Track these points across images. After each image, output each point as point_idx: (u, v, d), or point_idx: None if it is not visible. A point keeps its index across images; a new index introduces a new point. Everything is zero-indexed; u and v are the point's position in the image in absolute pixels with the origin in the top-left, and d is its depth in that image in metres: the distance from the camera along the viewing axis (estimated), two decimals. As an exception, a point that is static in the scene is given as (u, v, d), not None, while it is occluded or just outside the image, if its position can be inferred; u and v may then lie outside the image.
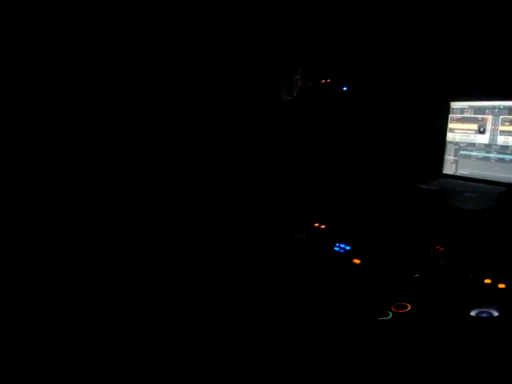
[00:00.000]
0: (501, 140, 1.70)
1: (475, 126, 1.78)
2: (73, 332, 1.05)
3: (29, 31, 1.68)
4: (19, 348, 1.10)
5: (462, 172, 1.82)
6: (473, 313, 1.13)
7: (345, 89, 1.97)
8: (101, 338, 1.04)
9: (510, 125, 1.68)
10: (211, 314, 1.21)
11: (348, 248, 1.51)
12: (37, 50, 1.70)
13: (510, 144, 1.67)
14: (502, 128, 1.71)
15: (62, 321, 1.07)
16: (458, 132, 1.84)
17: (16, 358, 1.09)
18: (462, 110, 1.84)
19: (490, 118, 1.74)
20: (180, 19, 1.92)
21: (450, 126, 1.88)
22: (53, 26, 1.71)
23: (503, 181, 1.66)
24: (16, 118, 1.67)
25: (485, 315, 1.12)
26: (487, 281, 1.22)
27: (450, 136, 1.88)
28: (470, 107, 1.81)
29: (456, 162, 1.84)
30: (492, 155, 1.72)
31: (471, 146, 1.79)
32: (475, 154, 1.78)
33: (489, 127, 1.75)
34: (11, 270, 1.19)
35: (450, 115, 1.88)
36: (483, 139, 1.76)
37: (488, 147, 1.74)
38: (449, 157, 1.86)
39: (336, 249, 1.52)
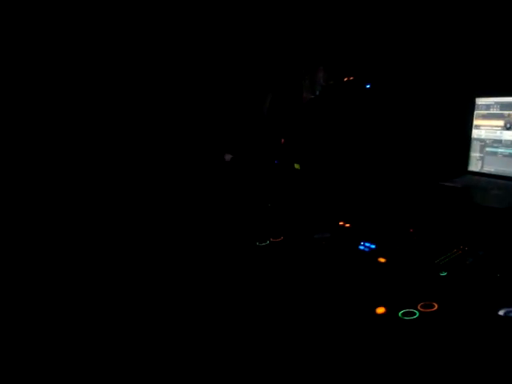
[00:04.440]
0: (528, 136, 1.68)
1: (501, 123, 1.76)
2: (72, 332, 1.07)
3: (29, 31, 1.70)
4: (19, 348, 1.12)
5: (487, 169, 1.80)
6: (501, 312, 1.12)
7: (368, 86, 1.96)
8: (100, 338, 1.06)
9: (537, 121, 1.66)
10: (232, 311, 1.21)
11: (373, 247, 1.51)
12: (37, 50, 1.71)
13: (537, 140, 1.65)
14: (529, 124, 1.69)
15: (62, 321, 1.08)
16: (484, 128, 1.82)
17: (16, 358, 1.10)
18: (488, 106, 1.81)
19: (516, 114, 1.72)
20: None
21: (476, 122, 1.85)
22: (53, 27, 1.73)
23: (531, 178, 1.64)
24: (17, 119, 1.69)
25: (513, 314, 1.11)
26: (515, 280, 1.21)
27: (475, 133, 1.85)
28: (496, 103, 1.79)
29: (482, 158, 1.82)
30: (519, 152, 1.70)
31: (497, 142, 1.77)
32: (501, 150, 1.76)
33: (515, 123, 1.72)
34: (11, 270, 1.21)
35: (475, 111, 1.86)
36: (510, 136, 1.73)
37: (515, 144, 1.71)
38: (474, 154, 1.84)
39: (361, 247, 1.52)
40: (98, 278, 1.25)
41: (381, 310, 1.21)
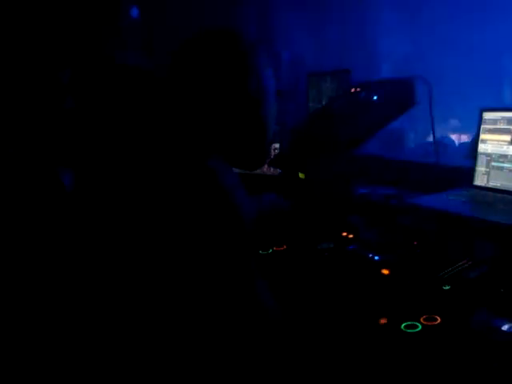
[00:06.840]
0: (534, 152, 1.68)
1: (508, 138, 1.76)
2: (72, 332, 1.05)
3: None
4: (19, 348, 1.11)
5: (493, 184, 1.79)
6: (504, 327, 1.11)
7: (375, 98, 1.96)
8: (100, 338, 1.04)
9: (544, 137, 1.66)
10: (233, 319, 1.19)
11: (377, 258, 1.50)
12: None
13: (544, 156, 1.65)
14: (536, 140, 1.68)
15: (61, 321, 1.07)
16: (491, 143, 1.82)
17: (16, 358, 1.09)
18: (495, 121, 1.81)
19: (523, 129, 1.72)
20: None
21: (482, 136, 1.85)
22: None
23: (537, 193, 1.63)
24: None
25: (517, 330, 1.11)
26: (520, 295, 1.20)
27: (481, 147, 1.85)
28: (503, 118, 1.79)
29: (488, 173, 1.81)
30: (525, 167, 1.70)
31: (503, 157, 1.77)
32: (508, 165, 1.75)
33: (522, 139, 1.72)
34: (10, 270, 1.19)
35: (482, 126, 1.86)
36: (516, 151, 1.73)
37: (521, 159, 1.71)
38: (480, 168, 1.84)
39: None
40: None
41: (383, 321, 1.21)
